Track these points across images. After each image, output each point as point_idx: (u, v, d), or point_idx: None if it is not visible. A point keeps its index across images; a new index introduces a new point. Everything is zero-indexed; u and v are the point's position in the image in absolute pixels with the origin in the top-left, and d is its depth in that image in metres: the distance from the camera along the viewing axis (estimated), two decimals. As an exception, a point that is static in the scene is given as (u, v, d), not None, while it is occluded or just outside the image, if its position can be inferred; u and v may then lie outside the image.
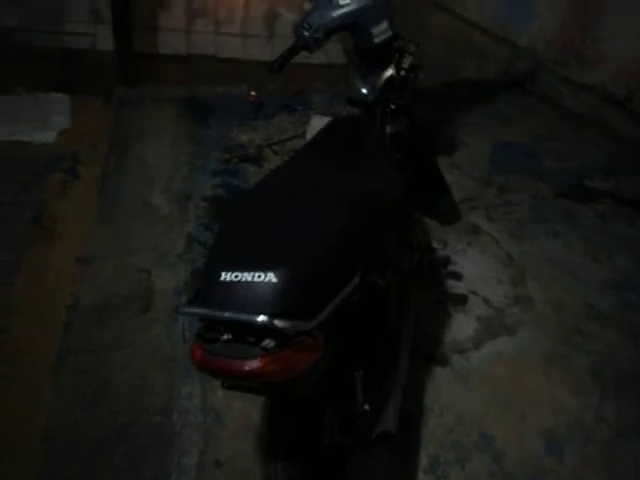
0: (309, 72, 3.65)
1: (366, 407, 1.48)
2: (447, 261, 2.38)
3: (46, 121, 3.16)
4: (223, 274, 1.09)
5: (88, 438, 1.84)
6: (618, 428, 1.96)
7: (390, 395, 1.60)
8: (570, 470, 1.83)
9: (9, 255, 2.43)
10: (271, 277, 1.07)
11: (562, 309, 2.36)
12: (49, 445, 1.81)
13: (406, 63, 1.94)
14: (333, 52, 4.36)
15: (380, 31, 1.89)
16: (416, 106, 2.12)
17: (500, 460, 1.84)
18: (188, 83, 3.79)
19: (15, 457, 1.78)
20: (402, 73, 1.95)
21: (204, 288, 1.13)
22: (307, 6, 1.95)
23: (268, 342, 1.08)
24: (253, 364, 1.05)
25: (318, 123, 2.96)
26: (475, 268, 2.51)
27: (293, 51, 1.82)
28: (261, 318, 1.03)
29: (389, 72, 1.94)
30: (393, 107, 2.01)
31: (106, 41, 3.77)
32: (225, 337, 1.09)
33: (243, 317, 1.04)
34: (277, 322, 1.04)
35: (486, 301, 2.37)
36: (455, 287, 2.39)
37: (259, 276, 1.07)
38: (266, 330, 1.06)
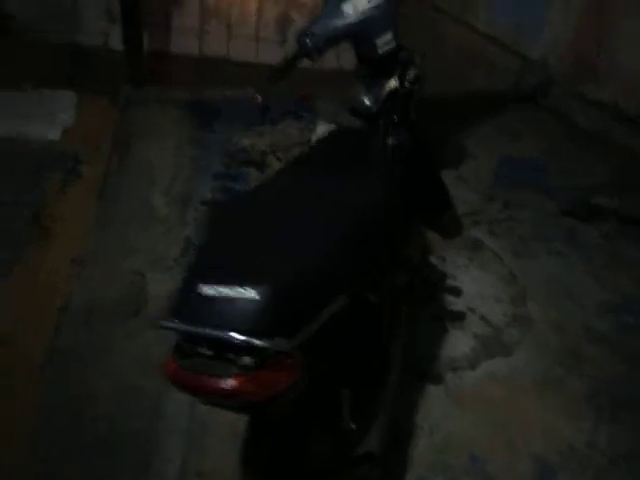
0: (319, 77, 3.61)
1: (352, 425, 1.45)
2: (442, 278, 2.34)
3: (50, 118, 3.14)
4: (202, 287, 1.07)
5: (70, 443, 1.82)
6: (610, 456, 1.91)
7: (378, 414, 1.56)
8: (559, 498, 1.79)
9: (6, 254, 2.42)
10: (252, 294, 1.04)
11: (561, 330, 2.31)
12: (31, 449, 1.79)
13: (410, 75, 1.92)
14: (345, 57, 4.33)
15: (384, 42, 1.86)
16: (424, 118, 2.09)
17: (489, 484, 1.80)
18: (197, 85, 3.77)
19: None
20: (406, 85, 1.92)
21: (182, 300, 1.10)
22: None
23: (246, 360, 1.05)
24: (227, 383, 1.02)
25: (324, 131, 2.93)
26: (475, 285, 2.46)
27: (294, 60, 1.80)
28: (238, 336, 1.00)
29: (393, 84, 1.91)
30: (396, 119, 1.98)
31: (118, 40, 3.77)
32: (204, 352, 1.07)
33: (220, 334, 1.01)
34: (255, 341, 1.01)
35: (484, 319, 2.33)
36: (453, 303, 2.35)
37: (240, 292, 1.04)
38: (245, 347, 1.04)
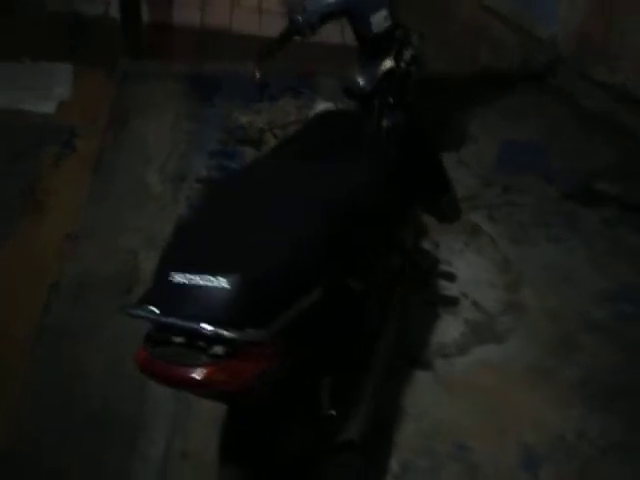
0: (322, 52, 3.53)
1: (332, 412, 1.44)
2: (434, 264, 2.30)
3: (47, 91, 3.11)
4: (174, 274, 1.04)
5: (58, 423, 1.81)
6: (600, 446, 1.88)
7: (359, 401, 1.55)
8: (544, 488, 1.77)
9: (-2, 227, 2.41)
10: (223, 282, 1.01)
11: (556, 318, 2.28)
12: (19, 428, 1.79)
13: (407, 55, 1.86)
14: (350, 32, 4.24)
15: (379, 19, 1.80)
16: (426, 98, 2.03)
17: (474, 472, 1.79)
18: (197, 58, 3.71)
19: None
20: (402, 65, 1.86)
21: (153, 287, 1.08)
22: None
23: (217, 349, 1.03)
24: (197, 372, 1.00)
25: (322, 109, 2.88)
26: (470, 270, 2.43)
27: (285, 37, 1.75)
28: (207, 327, 0.98)
29: (388, 63, 1.85)
30: (392, 100, 1.92)
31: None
32: (177, 340, 1.05)
33: (188, 324, 0.99)
34: (224, 332, 0.98)
35: (477, 305, 2.30)
36: (447, 289, 2.31)
37: (210, 280, 1.02)
38: (216, 337, 1.01)
